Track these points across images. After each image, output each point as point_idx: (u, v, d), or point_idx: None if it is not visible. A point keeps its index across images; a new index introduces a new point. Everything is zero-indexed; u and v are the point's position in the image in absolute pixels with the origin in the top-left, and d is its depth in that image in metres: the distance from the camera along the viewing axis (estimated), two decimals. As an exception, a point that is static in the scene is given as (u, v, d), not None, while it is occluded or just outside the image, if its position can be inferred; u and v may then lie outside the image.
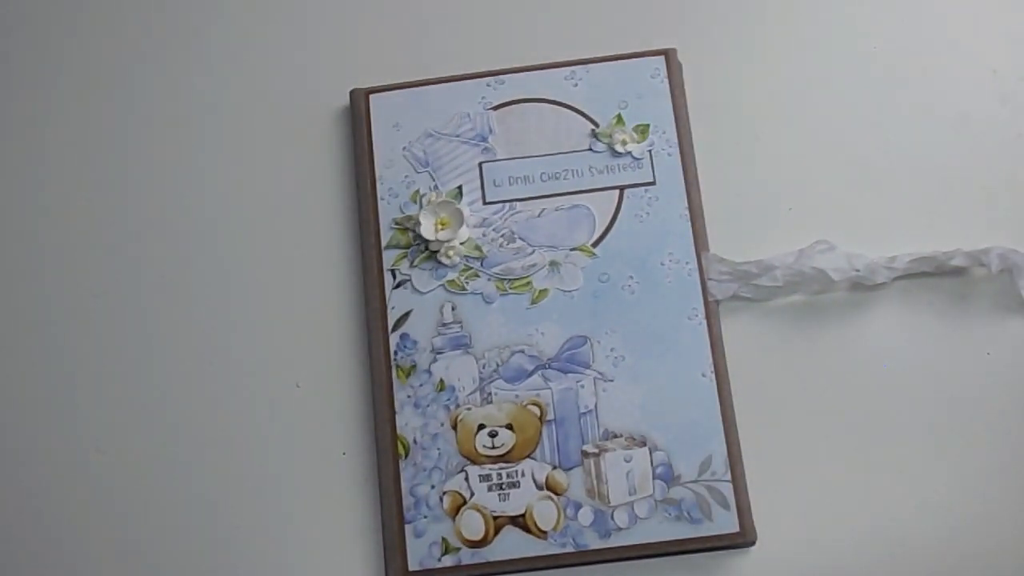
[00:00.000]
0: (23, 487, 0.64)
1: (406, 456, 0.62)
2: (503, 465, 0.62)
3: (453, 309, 0.64)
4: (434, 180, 0.66)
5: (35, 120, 0.71)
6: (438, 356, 0.63)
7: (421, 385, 0.63)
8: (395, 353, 0.64)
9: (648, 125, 0.67)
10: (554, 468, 0.61)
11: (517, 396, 0.62)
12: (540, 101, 0.67)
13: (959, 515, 0.60)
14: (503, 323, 0.64)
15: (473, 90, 0.68)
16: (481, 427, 0.62)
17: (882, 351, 0.63)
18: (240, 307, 0.66)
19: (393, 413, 0.63)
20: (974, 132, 0.67)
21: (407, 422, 0.62)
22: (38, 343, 0.66)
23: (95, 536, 0.63)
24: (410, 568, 0.60)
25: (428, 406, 0.63)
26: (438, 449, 0.62)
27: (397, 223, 0.66)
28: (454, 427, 0.62)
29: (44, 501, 0.64)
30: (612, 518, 0.60)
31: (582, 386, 0.62)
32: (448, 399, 0.63)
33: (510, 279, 0.64)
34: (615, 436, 0.61)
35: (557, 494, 0.61)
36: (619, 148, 0.66)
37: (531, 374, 0.63)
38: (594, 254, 0.64)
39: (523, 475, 0.61)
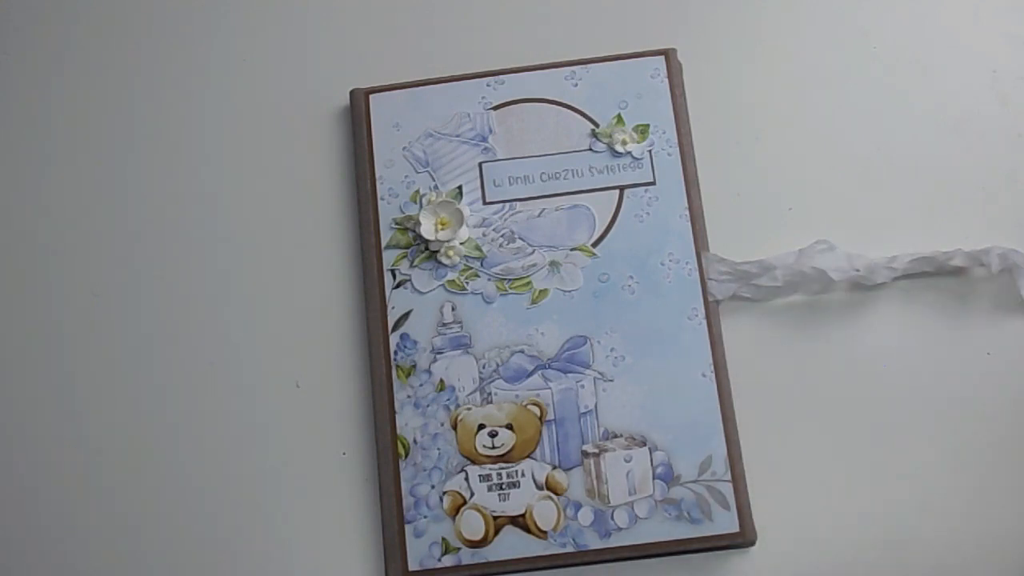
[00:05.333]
0: (23, 487, 0.64)
1: (406, 456, 0.62)
2: (503, 465, 0.62)
3: (453, 309, 0.64)
4: (434, 180, 0.66)
5: (36, 121, 0.71)
6: (438, 356, 0.63)
7: (421, 385, 0.63)
8: (395, 353, 0.64)
9: (648, 125, 0.67)
10: (554, 468, 0.61)
11: (517, 396, 0.62)
12: (540, 101, 0.67)
13: (959, 515, 0.60)
14: (503, 323, 0.64)
15: (473, 90, 0.68)
16: (481, 427, 0.62)
17: (882, 351, 0.63)
18: (240, 307, 0.66)
19: (393, 413, 0.63)
20: (974, 132, 0.67)
21: (407, 422, 0.62)
22: (38, 343, 0.66)
23: (95, 536, 0.63)
24: (410, 568, 0.60)
25: (428, 406, 0.63)
26: (438, 449, 0.62)
27: (397, 223, 0.66)
28: (454, 427, 0.62)
29: (44, 501, 0.64)
30: (612, 518, 0.60)
31: (582, 386, 0.62)
32: (448, 399, 0.63)
33: (510, 279, 0.64)
34: (615, 436, 0.61)
35: (557, 494, 0.61)
36: (619, 148, 0.66)
37: (531, 374, 0.63)
38: (594, 254, 0.64)
39: (523, 475, 0.61)
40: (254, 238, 0.68)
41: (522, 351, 0.63)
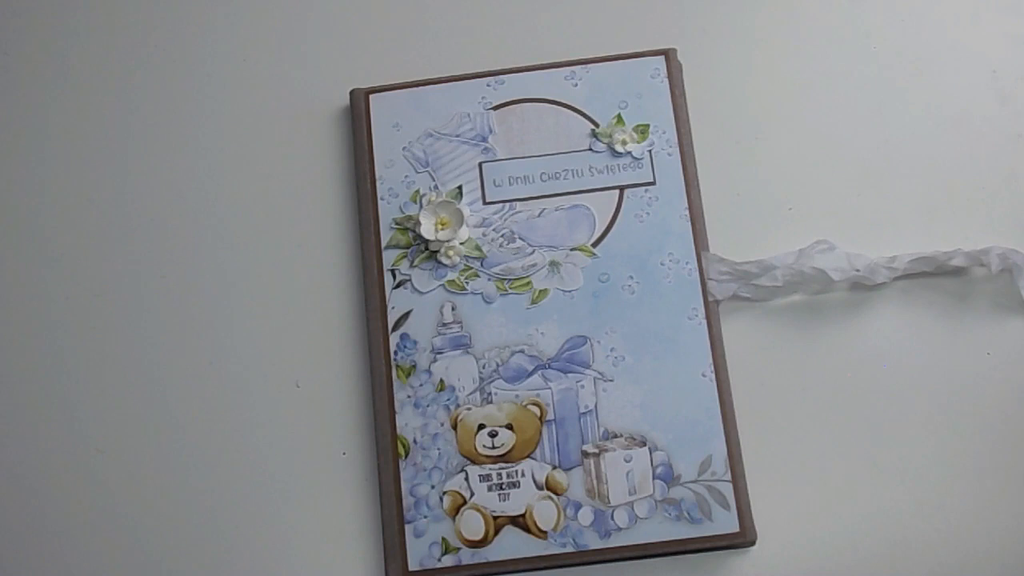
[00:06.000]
0: (23, 487, 0.64)
1: (406, 456, 0.62)
2: (503, 465, 0.62)
3: (453, 309, 0.64)
4: (434, 180, 0.66)
5: (36, 121, 0.71)
6: (438, 356, 0.63)
7: (421, 385, 0.63)
8: (395, 353, 0.64)
9: (648, 125, 0.67)
10: (554, 468, 0.61)
11: (517, 396, 0.62)
12: (540, 101, 0.67)
13: (959, 515, 0.60)
14: (503, 323, 0.64)
15: (473, 90, 0.68)
16: (481, 427, 0.62)
17: (882, 351, 0.63)
18: (240, 307, 0.66)
19: (393, 413, 0.63)
20: (974, 132, 0.67)
21: (407, 422, 0.62)
22: (38, 343, 0.66)
23: (95, 536, 0.63)
24: (410, 568, 0.60)
25: (428, 406, 0.63)
26: (438, 449, 0.62)
27: (397, 223, 0.66)
28: (454, 427, 0.62)
29: (44, 501, 0.64)
30: (612, 518, 0.60)
31: (582, 386, 0.62)
32: (448, 399, 0.63)
33: (510, 279, 0.64)
34: (615, 436, 0.61)
35: (557, 494, 0.61)
36: (619, 148, 0.66)
37: (531, 374, 0.63)
38: (594, 254, 0.64)
39: (523, 475, 0.61)
40: (254, 238, 0.68)
41: (522, 351, 0.63)
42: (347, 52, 0.71)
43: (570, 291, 0.64)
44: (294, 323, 0.66)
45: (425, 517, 0.61)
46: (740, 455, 0.61)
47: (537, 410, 0.62)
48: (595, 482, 0.61)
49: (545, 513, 0.61)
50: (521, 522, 0.61)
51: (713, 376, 0.62)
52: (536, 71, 0.68)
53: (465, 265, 0.65)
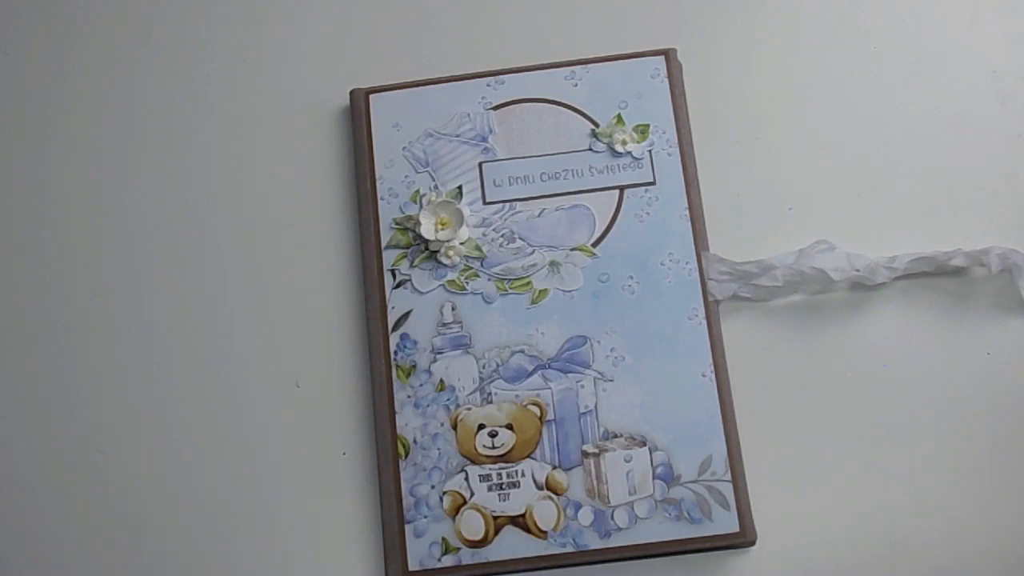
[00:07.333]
0: (24, 487, 0.64)
1: (406, 456, 0.62)
2: (503, 465, 0.62)
3: (453, 309, 0.64)
4: (434, 180, 0.67)
5: (36, 121, 0.71)
6: (438, 356, 0.63)
7: (421, 385, 0.63)
8: (395, 353, 0.64)
9: (648, 125, 0.67)
10: (554, 468, 0.61)
11: (517, 396, 0.62)
12: (540, 101, 0.67)
13: (959, 515, 0.60)
14: (503, 323, 0.64)
15: (473, 90, 0.68)
16: (481, 427, 0.62)
17: (882, 351, 0.63)
18: (240, 307, 0.66)
19: (393, 413, 0.63)
20: (974, 132, 0.67)
21: (407, 422, 0.62)
22: (38, 343, 0.66)
23: (95, 536, 0.63)
24: (410, 568, 0.60)
25: (428, 406, 0.63)
26: (438, 449, 0.62)
27: (397, 223, 0.66)
28: (454, 427, 0.62)
29: (45, 501, 0.64)
30: (612, 518, 0.60)
31: (582, 386, 0.62)
32: (448, 399, 0.63)
33: (510, 279, 0.64)
34: (615, 436, 0.61)
35: (557, 494, 0.61)
36: (619, 148, 0.66)
37: (531, 374, 0.63)
38: (594, 254, 0.64)
39: (523, 475, 0.61)
40: (254, 238, 0.68)
41: (522, 351, 0.63)
42: (347, 52, 0.71)
43: (570, 291, 0.64)
44: (294, 323, 0.66)
45: (425, 517, 0.61)
46: (740, 455, 0.61)
47: (537, 410, 0.62)
48: (595, 482, 0.61)
49: (545, 513, 0.61)
50: (521, 522, 0.61)
51: (713, 376, 0.62)
52: (536, 71, 0.68)
53: (465, 265, 0.65)
